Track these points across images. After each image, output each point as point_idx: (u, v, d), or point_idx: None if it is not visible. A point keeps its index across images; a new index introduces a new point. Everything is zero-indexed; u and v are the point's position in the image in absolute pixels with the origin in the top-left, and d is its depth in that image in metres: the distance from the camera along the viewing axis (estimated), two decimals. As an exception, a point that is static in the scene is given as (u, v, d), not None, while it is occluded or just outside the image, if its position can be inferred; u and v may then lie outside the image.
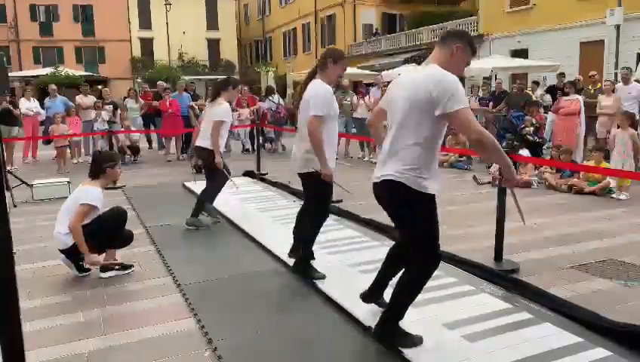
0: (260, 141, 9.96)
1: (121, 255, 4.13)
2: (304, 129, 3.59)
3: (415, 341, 2.72)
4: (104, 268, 3.97)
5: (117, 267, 4.00)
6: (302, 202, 6.47)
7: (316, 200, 3.77)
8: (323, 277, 3.70)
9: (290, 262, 4.01)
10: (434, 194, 2.55)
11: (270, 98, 12.97)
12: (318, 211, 3.76)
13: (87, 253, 3.82)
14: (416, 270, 2.63)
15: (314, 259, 3.86)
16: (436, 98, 2.34)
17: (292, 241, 4.09)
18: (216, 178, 5.32)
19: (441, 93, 2.33)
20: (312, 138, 3.48)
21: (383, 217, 4.55)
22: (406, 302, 2.66)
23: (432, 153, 2.51)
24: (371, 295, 3.12)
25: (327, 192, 3.72)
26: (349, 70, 21.93)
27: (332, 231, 4.91)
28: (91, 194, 3.89)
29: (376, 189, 2.68)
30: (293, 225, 4.10)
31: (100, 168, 4.02)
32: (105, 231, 3.89)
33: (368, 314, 3.08)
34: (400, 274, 2.76)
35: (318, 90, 3.52)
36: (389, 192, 2.58)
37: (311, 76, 3.65)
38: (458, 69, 2.53)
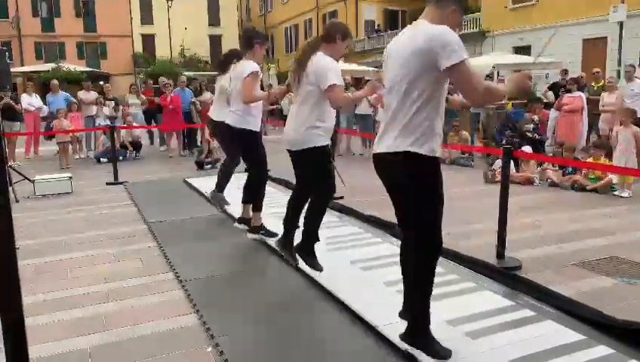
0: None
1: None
2: (304, 104, 3.40)
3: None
4: (253, 230, 4.35)
5: (262, 231, 4.29)
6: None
7: (318, 178, 3.54)
8: (321, 269, 3.61)
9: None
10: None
11: None
12: (324, 187, 3.54)
13: (265, 96, 4.23)
14: (421, 262, 2.56)
15: (319, 240, 3.65)
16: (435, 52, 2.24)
17: (283, 232, 3.80)
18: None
19: (441, 47, 2.22)
20: (344, 104, 3.55)
21: (384, 213, 4.56)
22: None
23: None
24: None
25: (329, 168, 3.52)
26: (351, 67, 21.96)
27: (334, 228, 4.92)
28: (248, 66, 4.10)
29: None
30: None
31: (250, 42, 4.21)
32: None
33: (368, 308, 3.08)
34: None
35: (329, 62, 3.30)
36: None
37: (313, 48, 3.39)
38: None
